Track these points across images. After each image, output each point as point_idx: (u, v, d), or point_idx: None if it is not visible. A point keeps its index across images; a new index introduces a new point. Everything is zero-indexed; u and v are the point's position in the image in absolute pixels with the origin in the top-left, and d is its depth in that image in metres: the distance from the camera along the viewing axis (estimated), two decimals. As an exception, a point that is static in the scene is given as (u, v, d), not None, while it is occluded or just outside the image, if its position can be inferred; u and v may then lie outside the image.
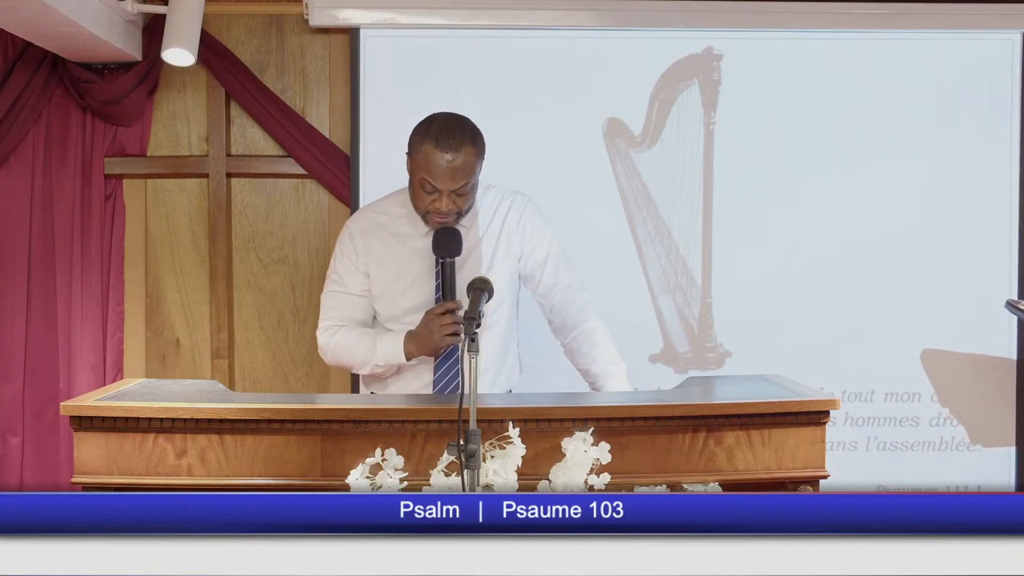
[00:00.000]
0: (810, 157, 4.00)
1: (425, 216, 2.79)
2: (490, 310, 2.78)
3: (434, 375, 2.82)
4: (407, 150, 2.78)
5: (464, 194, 2.74)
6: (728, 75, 3.98)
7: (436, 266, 2.80)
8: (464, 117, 2.78)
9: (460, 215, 2.79)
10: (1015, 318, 4.01)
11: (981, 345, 4.04)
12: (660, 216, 4.02)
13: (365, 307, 2.88)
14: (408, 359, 2.79)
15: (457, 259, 2.77)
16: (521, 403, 2.48)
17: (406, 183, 2.88)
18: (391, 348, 2.79)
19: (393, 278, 2.85)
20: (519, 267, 2.92)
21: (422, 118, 2.79)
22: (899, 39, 3.98)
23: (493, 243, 2.88)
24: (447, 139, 2.69)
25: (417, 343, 2.76)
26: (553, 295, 2.94)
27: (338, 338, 2.86)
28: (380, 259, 2.86)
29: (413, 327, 2.78)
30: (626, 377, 2.86)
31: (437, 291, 2.80)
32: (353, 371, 2.97)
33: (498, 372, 2.90)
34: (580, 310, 2.92)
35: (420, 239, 2.84)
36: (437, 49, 3.94)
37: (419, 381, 2.84)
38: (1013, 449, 4.06)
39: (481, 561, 1.79)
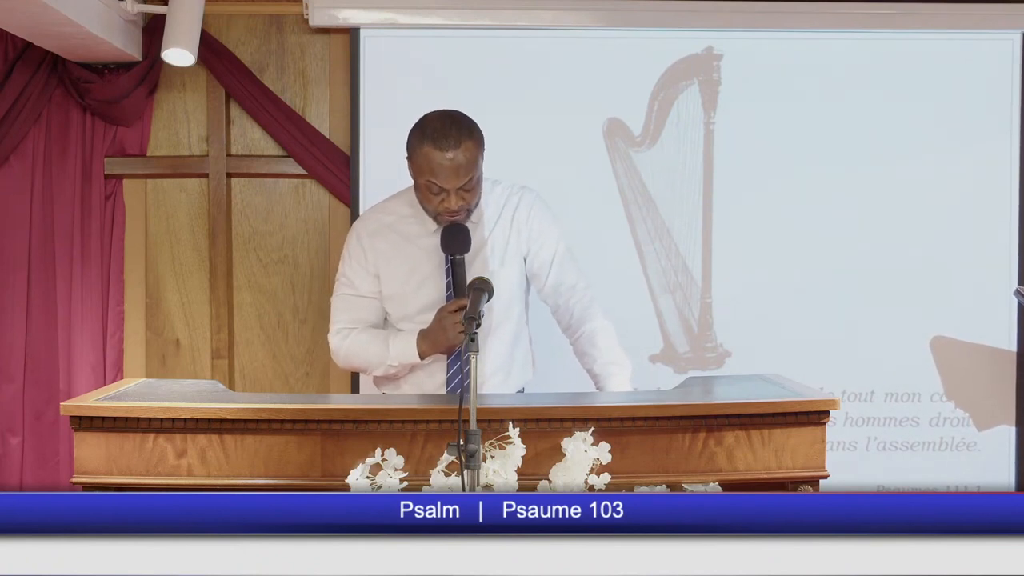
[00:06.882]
0: (810, 157, 4.00)
1: (436, 217, 2.78)
2: (501, 308, 2.78)
3: (448, 373, 2.81)
4: (406, 154, 2.76)
5: (471, 189, 2.72)
6: (728, 75, 3.98)
7: (446, 263, 2.79)
8: (458, 112, 2.76)
9: (471, 211, 2.78)
10: (1015, 316, 4.01)
11: (982, 341, 4.05)
12: (660, 216, 4.02)
13: (376, 309, 2.87)
14: (422, 358, 2.78)
15: (467, 256, 2.76)
16: (521, 403, 2.49)
17: (406, 182, 2.86)
18: (404, 348, 2.78)
19: (404, 278, 2.84)
20: (526, 265, 2.91)
21: (418, 119, 2.77)
22: (899, 39, 3.98)
23: (503, 239, 2.87)
24: (444, 138, 2.67)
25: (430, 341, 2.75)
26: (558, 295, 2.92)
27: (350, 341, 2.84)
28: (389, 260, 2.84)
29: (425, 326, 2.77)
30: (629, 377, 2.85)
31: (448, 288, 2.79)
32: (367, 373, 2.96)
33: (509, 371, 2.89)
34: (584, 309, 2.90)
35: (428, 237, 2.82)
36: (437, 49, 3.95)
37: (432, 381, 2.82)
38: (1013, 449, 4.06)
39: (481, 561, 1.79)
